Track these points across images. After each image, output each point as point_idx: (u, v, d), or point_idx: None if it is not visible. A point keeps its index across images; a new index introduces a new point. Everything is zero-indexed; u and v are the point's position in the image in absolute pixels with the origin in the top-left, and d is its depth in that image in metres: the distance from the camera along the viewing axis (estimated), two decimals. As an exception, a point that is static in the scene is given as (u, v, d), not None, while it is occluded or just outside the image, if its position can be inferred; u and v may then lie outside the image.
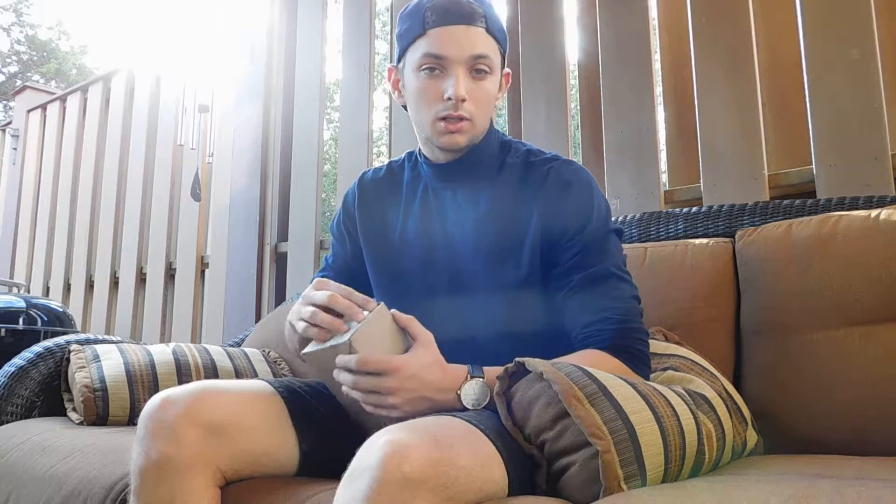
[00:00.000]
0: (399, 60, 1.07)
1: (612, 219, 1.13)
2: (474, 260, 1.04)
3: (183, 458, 0.88)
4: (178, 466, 0.88)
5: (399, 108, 1.85)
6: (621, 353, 0.93)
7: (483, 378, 0.87)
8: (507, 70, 1.08)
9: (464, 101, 0.99)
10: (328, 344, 0.89)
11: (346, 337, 0.86)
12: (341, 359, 0.86)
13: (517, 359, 0.81)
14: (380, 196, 1.16)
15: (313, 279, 1.19)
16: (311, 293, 0.92)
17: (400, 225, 1.12)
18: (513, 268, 1.02)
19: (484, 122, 1.04)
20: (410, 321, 0.90)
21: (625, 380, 0.81)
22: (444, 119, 1.00)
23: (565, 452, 0.74)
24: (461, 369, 0.88)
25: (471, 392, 0.86)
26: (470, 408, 0.85)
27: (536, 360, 0.80)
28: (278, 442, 0.96)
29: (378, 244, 1.13)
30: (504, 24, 1.07)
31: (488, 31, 1.01)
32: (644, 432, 0.74)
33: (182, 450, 0.88)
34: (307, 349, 0.93)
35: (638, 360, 0.94)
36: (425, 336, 0.90)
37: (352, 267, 1.18)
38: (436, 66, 1.00)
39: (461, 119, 1.00)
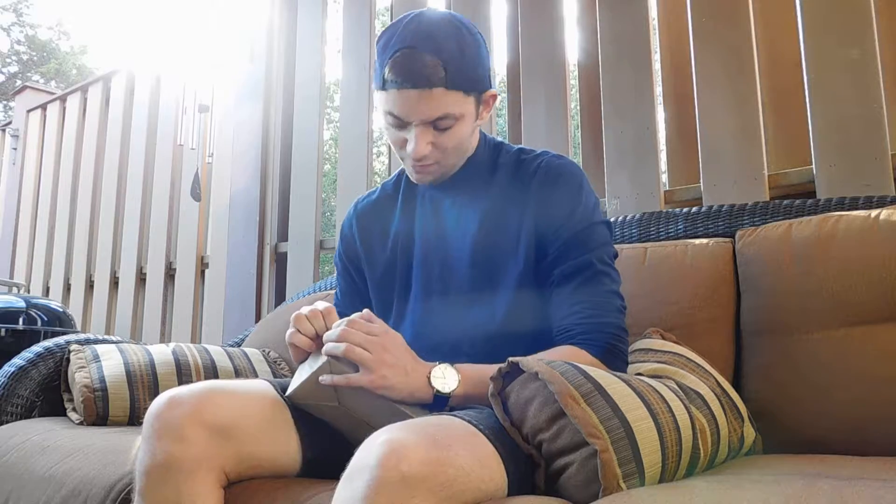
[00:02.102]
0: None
1: (608, 217, 1.13)
2: (474, 262, 1.05)
3: (189, 459, 0.88)
4: (183, 467, 0.87)
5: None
6: (591, 347, 0.94)
7: (451, 365, 0.90)
8: (491, 91, 1.03)
9: (425, 156, 0.99)
10: (306, 376, 0.90)
11: (322, 358, 0.89)
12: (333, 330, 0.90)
13: (510, 359, 0.81)
14: (377, 214, 1.18)
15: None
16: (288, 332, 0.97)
17: (400, 234, 1.13)
18: (513, 266, 1.02)
19: (457, 157, 1.04)
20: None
21: (619, 377, 0.81)
22: (412, 164, 1.02)
23: (563, 452, 0.74)
24: (430, 363, 0.91)
25: (440, 375, 0.88)
26: (439, 389, 0.88)
27: (530, 359, 0.80)
28: (282, 444, 0.96)
29: (379, 256, 1.15)
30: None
31: (449, 87, 0.95)
32: (640, 430, 0.74)
33: (188, 450, 0.88)
34: (290, 390, 0.95)
35: (609, 355, 0.94)
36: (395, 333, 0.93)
37: (364, 295, 1.20)
38: (397, 123, 0.99)
39: (426, 167, 1.02)
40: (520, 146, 1.11)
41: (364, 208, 1.20)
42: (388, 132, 1.03)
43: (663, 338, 1.18)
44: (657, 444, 0.75)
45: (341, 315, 1.20)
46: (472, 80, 0.98)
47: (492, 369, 0.82)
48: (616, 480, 0.69)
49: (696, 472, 0.84)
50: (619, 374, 0.83)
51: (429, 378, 0.88)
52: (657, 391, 0.83)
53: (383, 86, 0.97)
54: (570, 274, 0.98)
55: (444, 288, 1.07)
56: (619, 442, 0.72)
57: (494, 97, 1.04)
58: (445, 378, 0.88)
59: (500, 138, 1.16)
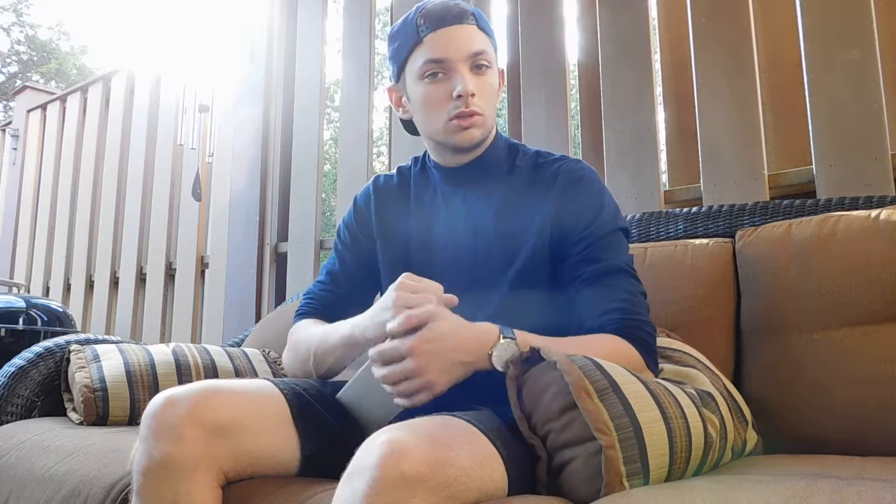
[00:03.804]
0: (397, 78, 1.09)
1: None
2: (486, 260, 1.05)
3: (186, 459, 0.87)
4: (181, 467, 0.87)
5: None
6: (636, 342, 0.94)
7: (514, 339, 0.86)
8: (500, 67, 1.10)
9: (473, 95, 1.01)
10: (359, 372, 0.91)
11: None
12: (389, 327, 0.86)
13: (532, 345, 0.81)
14: (393, 200, 1.17)
15: (310, 289, 1.23)
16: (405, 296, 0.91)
17: (411, 228, 1.13)
18: (525, 266, 1.03)
19: (492, 117, 1.07)
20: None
21: (637, 377, 0.81)
22: (456, 118, 1.02)
23: (569, 445, 0.74)
24: (491, 328, 0.87)
25: (503, 354, 0.85)
26: (500, 368, 0.84)
27: (552, 349, 0.80)
28: (281, 443, 0.95)
29: (391, 246, 1.15)
30: (495, 25, 1.11)
31: (479, 27, 1.04)
32: (650, 431, 0.74)
33: (186, 450, 0.87)
34: (342, 392, 0.97)
35: (649, 350, 0.96)
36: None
37: (355, 277, 1.18)
38: (438, 70, 1.02)
39: (472, 114, 1.02)
40: (537, 149, 1.12)
41: (385, 187, 1.19)
42: (425, 95, 1.03)
43: (669, 337, 1.19)
44: (666, 447, 0.75)
45: (315, 301, 1.18)
46: (493, 35, 1.08)
47: (549, 342, 0.82)
48: (619, 478, 0.69)
49: (700, 475, 0.84)
50: (637, 374, 0.83)
51: (490, 356, 0.85)
52: (673, 395, 0.83)
53: (419, 38, 1.03)
54: (601, 275, 0.99)
55: (454, 285, 1.06)
56: (627, 441, 0.72)
57: (502, 73, 1.11)
58: (508, 357, 0.85)
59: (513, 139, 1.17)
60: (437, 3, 1.04)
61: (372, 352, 0.87)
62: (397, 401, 0.86)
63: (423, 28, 1.02)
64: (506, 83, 2.40)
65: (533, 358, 0.81)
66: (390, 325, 0.86)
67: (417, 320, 0.84)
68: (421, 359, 0.82)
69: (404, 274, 0.95)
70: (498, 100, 1.10)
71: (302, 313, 1.19)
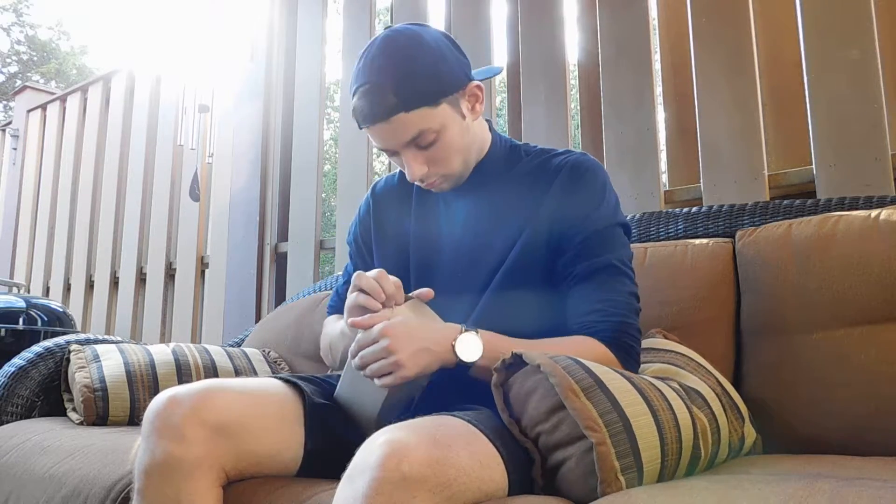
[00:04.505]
0: None
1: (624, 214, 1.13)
2: (482, 261, 1.05)
3: (188, 459, 0.87)
4: (183, 466, 0.87)
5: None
6: (611, 345, 0.95)
7: (476, 332, 0.90)
8: (472, 84, 1.02)
9: (425, 172, 1.02)
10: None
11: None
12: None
13: (514, 350, 0.81)
14: (392, 203, 1.18)
15: (336, 287, 1.29)
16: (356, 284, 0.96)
17: (411, 228, 1.14)
18: (515, 265, 1.03)
19: (461, 162, 1.05)
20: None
21: (620, 373, 0.82)
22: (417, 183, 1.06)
23: (561, 445, 0.74)
24: (455, 325, 0.92)
25: (465, 343, 0.89)
26: (464, 360, 0.89)
27: (533, 352, 0.80)
28: (283, 442, 0.96)
29: (389, 249, 1.15)
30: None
31: (409, 109, 0.95)
32: (639, 425, 0.74)
33: (188, 450, 0.87)
34: (336, 391, 1.00)
35: (627, 354, 0.96)
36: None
37: None
38: (387, 152, 1.03)
39: (431, 183, 1.05)
40: (542, 147, 1.12)
41: (382, 192, 1.21)
42: (391, 162, 1.09)
43: (666, 338, 1.19)
44: (656, 439, 0.75)
45: (339, 302, 1.24)
46: (434, 91, 0.97)
47: (515, 343, 0.83)
48: (614, 473, 0.70)
49: (696, 472, 0.84)
50: (621, 371, 0.83)
51: (453, 346, 0.89)
52: (658, 389, 0.83)
53: (359, 125, 1.02)
54: (592, 272, 0.99)
55: (456, 287, 1.06)
56: (618, 436, 0.72)
57: (479, 87, 1.03)
58: (469, 347, 0.89)
59: (516, 140, 1.16)
60: (362, 95, 0.97)
61: (352, 347, 0.92)
62: (375, 381, 0.89)
63: (358, 121, 1.00)
64: (506, 83, 2.41)
65: (516, 363, 0.81)
66: (352, 320, 0.92)
67: (379, 318, 0.90)
68: (393, 340, 0.87)
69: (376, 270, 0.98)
70: (474, 121, 1.05)
71: (329, 311, 1.27)
